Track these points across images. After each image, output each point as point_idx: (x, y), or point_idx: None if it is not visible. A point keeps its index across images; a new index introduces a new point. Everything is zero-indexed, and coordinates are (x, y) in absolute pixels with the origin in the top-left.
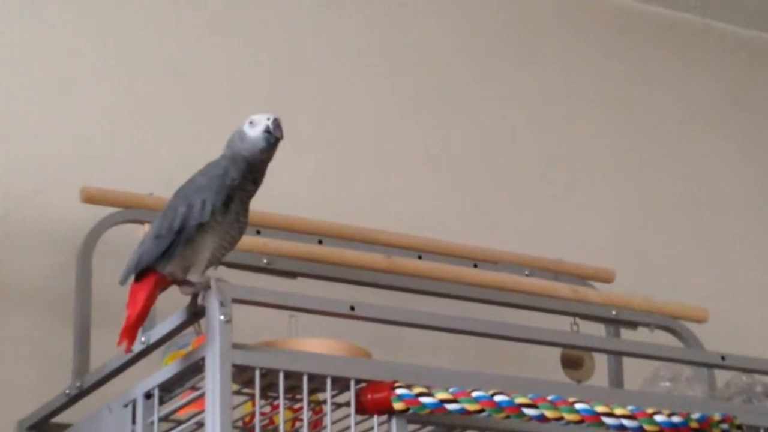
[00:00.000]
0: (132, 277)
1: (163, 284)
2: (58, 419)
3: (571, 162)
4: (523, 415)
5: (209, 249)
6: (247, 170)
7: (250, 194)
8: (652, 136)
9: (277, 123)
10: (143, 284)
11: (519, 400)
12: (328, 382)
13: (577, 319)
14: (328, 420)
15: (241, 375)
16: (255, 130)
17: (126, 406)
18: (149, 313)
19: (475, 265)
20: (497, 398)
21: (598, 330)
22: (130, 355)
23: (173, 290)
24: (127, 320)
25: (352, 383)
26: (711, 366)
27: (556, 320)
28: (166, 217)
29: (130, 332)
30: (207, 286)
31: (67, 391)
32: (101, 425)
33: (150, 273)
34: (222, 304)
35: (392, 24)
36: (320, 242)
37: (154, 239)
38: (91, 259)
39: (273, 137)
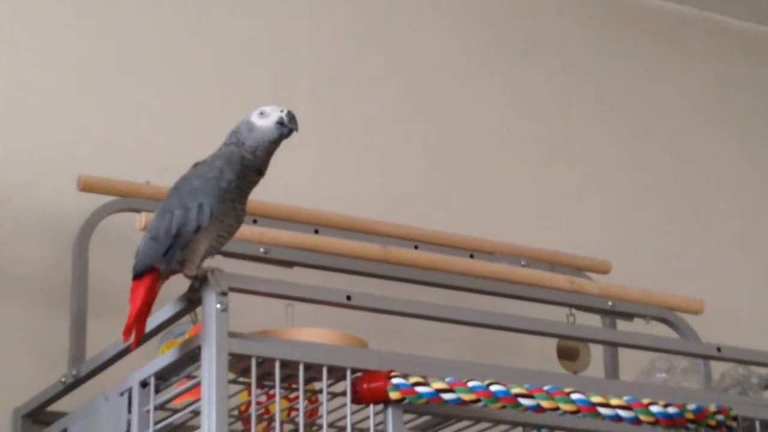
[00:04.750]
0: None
1: (166, 276)
2: (54, 407)
3: (569, 154)
4: (519, 405)
5: (206, 243)
6: (245, 167)
7: (253, 184)
8: (649, 128)
9: (291, 115)
10: (142, 281)
11: (515, 390)
12: (324, 371)
13: (574, 310)
14: (324, 409)
15: (238, 364)
16: (266, 120)
17: (122, 394)
18: (150, 307)
19: (472, 256)
20: (493, 388)
21: (594, 321)
22: (126, 344)
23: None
24: (128, 317)
25: (348, 373)
26: (707, 357)
27: (553, 311)
28: (163, 219)
29: (129, 329)
30: (204, 276)
31: (63, 380)
32: (97, 413)
33: (149, 270)
34: (218, 293)
35: (391, 17)
36: (317, 232)
37: (150, 240)
38: (87, 248)
39: (287, 128)
